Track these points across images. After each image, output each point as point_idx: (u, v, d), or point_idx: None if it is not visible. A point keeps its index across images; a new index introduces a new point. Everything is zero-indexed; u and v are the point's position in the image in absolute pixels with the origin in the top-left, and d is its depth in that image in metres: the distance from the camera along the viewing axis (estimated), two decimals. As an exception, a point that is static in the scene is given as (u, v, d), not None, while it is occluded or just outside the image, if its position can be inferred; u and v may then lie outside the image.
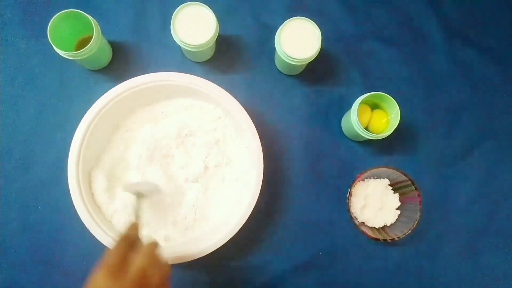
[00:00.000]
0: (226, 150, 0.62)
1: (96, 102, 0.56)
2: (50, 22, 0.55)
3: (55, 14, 0.56)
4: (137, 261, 0.39)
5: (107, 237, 0.53)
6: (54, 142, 0.63)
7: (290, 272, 0.63)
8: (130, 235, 0.43)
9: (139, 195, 0.52)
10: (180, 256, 0.54)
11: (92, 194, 0.57)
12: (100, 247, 0.53)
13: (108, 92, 0.56)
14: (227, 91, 0.58)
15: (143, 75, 0.57)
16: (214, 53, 0.68)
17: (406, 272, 0.64)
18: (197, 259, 0.54)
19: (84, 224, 0.54)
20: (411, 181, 0.60)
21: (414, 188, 0.60)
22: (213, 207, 0.60)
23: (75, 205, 0.54)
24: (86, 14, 0.57)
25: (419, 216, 0.59)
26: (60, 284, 0.61)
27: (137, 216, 0.50)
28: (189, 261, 0.54)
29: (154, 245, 0.42)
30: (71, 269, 0.61)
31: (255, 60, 0.68)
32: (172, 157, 0.61)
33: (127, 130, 0.61)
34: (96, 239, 0.53)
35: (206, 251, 0.54)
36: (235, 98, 0.58)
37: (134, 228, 0.45)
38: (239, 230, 0.55)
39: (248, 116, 0.57)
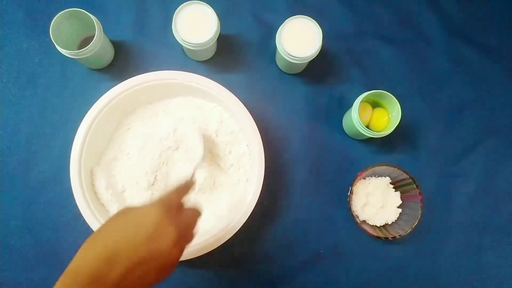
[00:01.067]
0: (227, 148, 0.62)
1: (98, 101, 0.56)
2: (52, 21, 0.56)
3: (58, 13, 0.56)
4: (186, 216, 0.40)
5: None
6: (56, 141, 0.64)
7: (291, 270, 0.63)
8: (187, 187, 0.44)
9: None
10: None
11: (95, 192, 0.57)
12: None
13: (110, 90, 0.57)
14: (228, 89, 0.58)
15: (145, 74, 0.57)
16: (215, 52, 0.68)
17: (408, 270, 0.64)
18: (198, 256, 0.54)
19: (86, 222, 0.54)
20: (412, 179, 0.60)
21: (415, 186, 0.60)
22: (215, 205, 0.60)
23: (77, 203, 0.54)
24: (89, 13, 0.57)
25: (421, 214, 0.59)
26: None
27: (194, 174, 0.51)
28: (190, 259, 0.54)
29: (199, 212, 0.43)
30: (74, 267, 0.61)
31: (256, 59, 0.68)
32: (173, 155, 0.61)
33: (129, 128, 0.61)
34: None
35: (208, 249, 0.54)
36: (236, 97, 0.58)
37: (190, 184, 0.45)
38: (241, 228, 0.55)
39: (249, 114, 0.58)
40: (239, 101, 0.58)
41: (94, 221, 0.54)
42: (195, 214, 0.42)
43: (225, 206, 0.60)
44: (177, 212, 0.39)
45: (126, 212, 0.37)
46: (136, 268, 0.33)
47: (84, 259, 0.33)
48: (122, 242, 0.34)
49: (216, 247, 0.55)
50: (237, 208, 0.57)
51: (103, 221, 0.54)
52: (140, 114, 0.61)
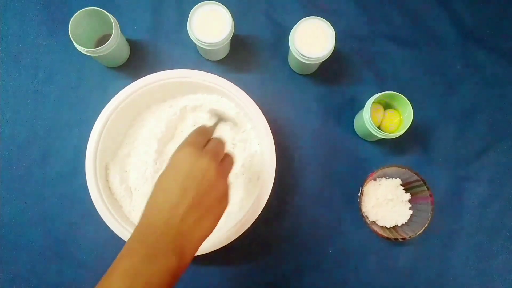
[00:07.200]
0: (239, 147, 0.62)
1: (113, 98, 0.57)
2: (71, 19, 0.57)
3: (76, 11, 0.57)
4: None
5: (122, 229, 0.55)
6: (72, 137, 0.65)
7: (299, 269, 0.64)
8: (209, 130, 0.46)
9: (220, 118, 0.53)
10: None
11: (109, 187, 0.58)
12: (116, 239, 0.54)
13: (125, 88, 0.58)
14: (241, 89, 0.58)
15: (159, 72, 0.58)
16: (229, 52, 0.69)
17: (417, 272, 0.64)
18: (207, 253, 0.55)
19: (100, 216, 0.55)
20: (423, 181, 0.60)
21: (426, 188, 0.60)
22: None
23: (92, 198, 0.55)
24: (106, 12, 0.58)
25: (431, 216, 0.59)
26: (76, 275, 0.62)
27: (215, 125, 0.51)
28: (199, 255, 0.55)
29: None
30: (87, 260, 0.62)
31: (269, 59, 0.69)
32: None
33: (143, 125, 0.62)
34: (112, 231, 0.55)
35: (217, 246, 0.55)
36: (249, 96, 0.58)
37: (211, 129, 0.47)
38: (250, 226, 0.56)
39: (261, 114, 0.58)
40: (251, 100, 0.58)
41: (107, 215, 0.55)
42: (221, 144, 0.45)
43: (235, 204, 0.61)
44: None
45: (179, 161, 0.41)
46: (203, 198, 0.38)
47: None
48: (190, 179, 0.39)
49: (225, 245, 0.55)
50: (247, 207, 0.58)
51: (116, 216, 0.55)
52: (154, 112, 0.62)
